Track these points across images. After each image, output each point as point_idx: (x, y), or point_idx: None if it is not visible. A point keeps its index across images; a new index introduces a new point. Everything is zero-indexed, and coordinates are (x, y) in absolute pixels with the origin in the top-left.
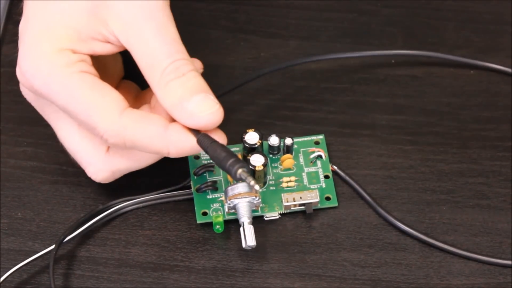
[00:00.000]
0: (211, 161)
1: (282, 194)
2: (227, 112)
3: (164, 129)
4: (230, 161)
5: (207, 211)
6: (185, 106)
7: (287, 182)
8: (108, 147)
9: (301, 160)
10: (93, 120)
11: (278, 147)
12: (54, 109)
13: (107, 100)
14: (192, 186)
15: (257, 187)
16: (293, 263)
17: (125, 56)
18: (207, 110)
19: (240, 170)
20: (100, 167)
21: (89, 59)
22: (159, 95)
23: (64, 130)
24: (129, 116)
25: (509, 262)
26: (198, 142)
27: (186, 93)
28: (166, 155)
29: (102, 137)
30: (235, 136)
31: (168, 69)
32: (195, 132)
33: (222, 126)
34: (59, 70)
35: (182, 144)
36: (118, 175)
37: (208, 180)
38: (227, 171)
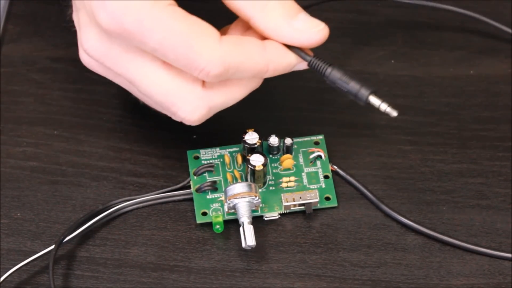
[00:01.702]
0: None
1: (281, 194)
2: (227, 112)
3: (263, 47)
4: (358, 85)
5: (206, 211)
6: (293, 24)
7: (287, 182)
8: (204, 82)
9: (301, 160)
10: (194, 50)
11: (278, 147)
12: (132, 57)
13: (204, 29)
14: (192, 186)
15: (394, 113)
16: (292, 263)
17: None
18: (315, 27)
19: (372, 96)
20: (197, 103)
21: None
22: (259, 17)
23: (151, 75)
24: (227, 41)
25: (509, 255)
26: (311, 64)
27: (290, 11)
28: (264, 75)
29: (204, 70)
30: (235, 136)
31: None
32: (293, 49)
33: (221, 126)
34: (150, 5)
35: (282, 60)
36: (214, 111)
37: (208, 180)
38: (355, 96)
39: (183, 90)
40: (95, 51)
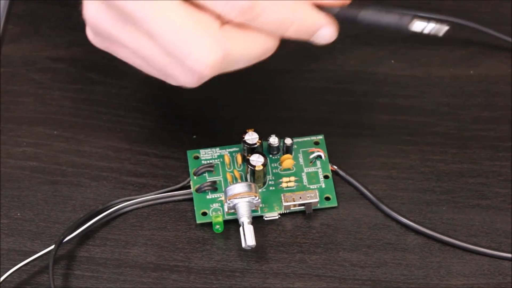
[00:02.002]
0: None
1: (281, 194)
2: (227, 112)
3: None
4: (397, 16)
5: (206, 211)
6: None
7: (287, 182)
8: (222, 24)
9: (301, 160)
10: None
11: (278, 147)
12: None
13: None
14: (191, 186)
15: (444, 28)
16: (292, 263)
17: None
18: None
19: (416, 20)
20: (213, 45)
21: None
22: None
23: (167, 10)
24: None
25: (509, 255)
26: (340, 13)
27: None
28: (286, 30)
29: (230, 1)
30: (235, 136)
31: None
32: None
33: (221, 126)
34: None
35: (309, 17)
36: (228, 62)
37: (208, 180)
38: (396, 26)
39: (200, 29)
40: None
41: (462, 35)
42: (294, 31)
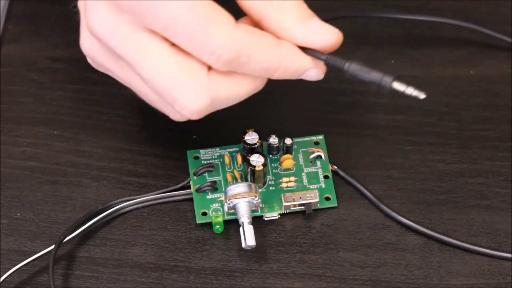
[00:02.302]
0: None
1: (281, 194)
2: (227, 112)
3: (277, 43)
4: (380, 74)
5: (206, 211)
6: (308, 25)
7: (287, 182)
8: (209, 69)
9: (301, 160)
10: (208, 32)
11: (278, 147)
12: (139, 36)
13: (220, 12)
14: (191, 186)
15: (422, 95)
16: (292, 263)
17: None
18: (330, 30)
19: (395, 82)
20: (200, 92)
21: None
22: (273, 16)
23: (155, 57)
24: (243, 28)
25: (509, 255)
26: (328, 61)
27: (305, 13)
28: (273, 74)
29: (215, 53)
30: (235, 136)
31: None
32: (307, 51)
33: (221, 126)
34: None
35: (295, 60)
36: (215, 105)
37: (208, 180)
38: (378, 85)
39: (187, 76)
40: (102, 28)
41: (462, 35)
42: (280, 74)
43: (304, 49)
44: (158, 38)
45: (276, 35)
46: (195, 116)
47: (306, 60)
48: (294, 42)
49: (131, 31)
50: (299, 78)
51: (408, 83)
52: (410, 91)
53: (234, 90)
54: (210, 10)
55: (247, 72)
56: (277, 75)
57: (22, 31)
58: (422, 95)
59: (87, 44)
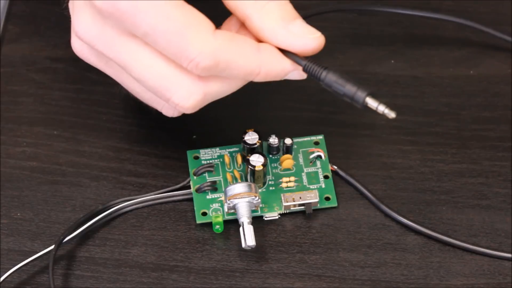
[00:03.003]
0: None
1: (281, 194)
2: (227, 112)
3: (257, 48)
4: (355, 88)
5: (206, 211)
6: (290, 27)
7: (287, 182)
8: None
9: (301, 160)
10: (186, 40)
11: (278, 147)
12: (125, 40)
13: (199, 19)
14: (191, 186)
15: (392, 114)
16: (292, 263)
17: None
18: (312, 34)
19: (368, 98)
20: (192, 89)
21: None
22: (256, 17)
23: (144, 59)
24: (222, 35)
25: (509, 255)
26: (306, 68)
27: (288, 15)
28: (254, 78)
29: (194, 60)
30: (235, 136)
31: None
32: (288, 54)
33: (221, 126)
34: None
35: (275, 64)
36: (209, 98)
37: (208, 180)
38: (351, 99)
39: (178, 75)
40: (87, 33)
41: (462, 35)
42: (262, 78)
43: (285, 52)
44: (144, 41)
45: (258, 36)
46: (189, 111)
47: (287, 63)
48: (275, 44)
49: (117, 35)
50: (282, 79)
51: (380, 100)
52: (382, 108)
53: (224, 85)
54: (188, 18)
55: (228, 77)
56: (258, 79)
57: (22, 31)
58: (392, 114)
59: (78, 46)
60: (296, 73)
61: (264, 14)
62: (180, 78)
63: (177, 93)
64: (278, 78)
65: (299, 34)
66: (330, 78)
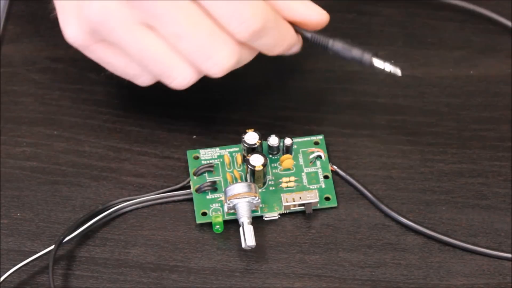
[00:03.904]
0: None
1: (281, 194)
2: (227, 112)
3: (284, 21)
4: (361, 51)
5: (206, 211)
6: (306, 2)
7: (287, 182)
8: None
9: (301, 160)
10: (242, 1)
11: (278, 147)
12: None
13: None
14: (191, 186)
15: (398, 71)
16: (292, 264)
17: None
18: (322, 10)
19: (375, 59)
20: (232, 52)
21: None
22: None
23: (195, 16)
24: (268, 3)
25: (509, 255)
26: (312, 38)
27: None
28: (272, 52)
29: (245, 23)
30: (235, 136)
31: None
32: (296, 28)
33: (222, 126)
34: None
35: (292, 37)
36: (237, 65)
37: (208, 180)
38: (360, 60)
39: (224, 36)
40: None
41: (462, 35)
42: (279, 51)
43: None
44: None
45: (278, 9)
46: (220, 74)
47: (295, 37)
48: (295, 16)
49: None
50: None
51: (385, 59)
52: (388, 67)
53: (249, 54)
54: None
55: (257, 47)
56: (276, 52)
57: (22, 31)
58: (398, 72)
59: (78, 35)
60: (296, 47)
61: None
62: (226, 40)
63: (220, 53)
64: (287, 52)
65: (313, 8)
66: (337, 45)
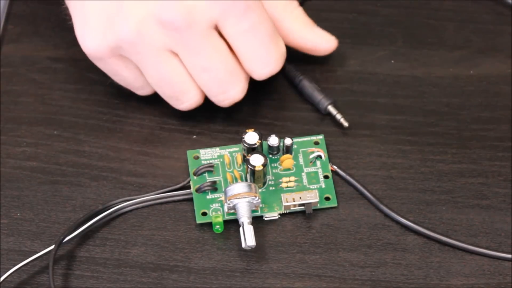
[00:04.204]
0: (209, 162)
1: (281, 194)
2: (227, 112)
3: None
4: (321, 96)
5: (206, 211)
6: (314, 30)
7: (287, 182)
8: None
9: (301, 160)
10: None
11: (278, 147)
12: (210, 34)
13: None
14: (191, 186)
15: (345, 123)
16: (292, 264)
17: None
18: (331, 36)
19: (330, 107)
20: (244, 88)
21: None
22: (287, 20)
23: (223, 52)
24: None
25: (508, 255)
26: (288, 70)
27: (309, 21)
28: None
29: (269, 66)
30: (235, 136)
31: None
32: None
33: (222, 126)
34: None
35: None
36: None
37: (208, 180)
38: (317, 104)
39: (242, 73)
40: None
41: (462, 35)
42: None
43: None
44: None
45: (288, 36)
46: (228, 106)
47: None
48: (303, 44)
49: (207, 27)
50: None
51: (340, 110)
52: (339, 117)
53: None
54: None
55: None
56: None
57: (22, 31)
58: (345, 124)
59: (99, 48)
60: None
61: (293, 18)
62: (242, 77)
63: (235, 89)
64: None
65: (322, 36)
66: (303, 84)
